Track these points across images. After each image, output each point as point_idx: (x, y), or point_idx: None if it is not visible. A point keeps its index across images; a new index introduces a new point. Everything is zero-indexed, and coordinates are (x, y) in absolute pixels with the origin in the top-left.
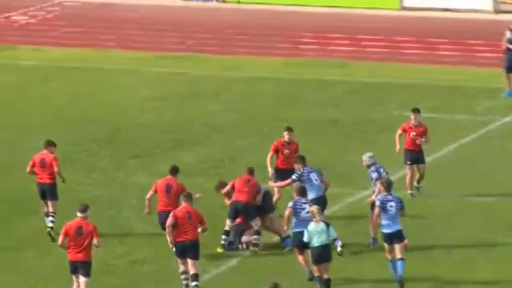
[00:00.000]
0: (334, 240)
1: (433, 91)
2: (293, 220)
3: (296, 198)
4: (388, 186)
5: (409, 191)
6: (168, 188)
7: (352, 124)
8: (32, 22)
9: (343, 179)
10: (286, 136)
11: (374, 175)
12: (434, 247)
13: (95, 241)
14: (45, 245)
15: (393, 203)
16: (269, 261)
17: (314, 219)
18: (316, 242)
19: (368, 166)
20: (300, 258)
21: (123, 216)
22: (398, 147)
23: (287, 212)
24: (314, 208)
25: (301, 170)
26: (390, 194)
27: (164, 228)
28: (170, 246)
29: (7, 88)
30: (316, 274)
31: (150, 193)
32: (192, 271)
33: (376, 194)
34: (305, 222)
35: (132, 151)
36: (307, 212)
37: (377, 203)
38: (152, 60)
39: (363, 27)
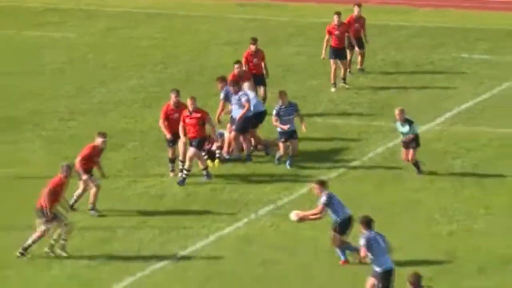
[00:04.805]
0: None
1: (490, 35)
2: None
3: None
4: None
5: (333, 82)
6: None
7: (413, 66)
8: None
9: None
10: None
11: None
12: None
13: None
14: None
15: None
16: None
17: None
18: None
19: None
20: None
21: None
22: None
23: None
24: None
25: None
26: None
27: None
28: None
29: (98, 33)
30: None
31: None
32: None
33: None
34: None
35: (213, 91)
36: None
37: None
38: (232, 8)
39: None
